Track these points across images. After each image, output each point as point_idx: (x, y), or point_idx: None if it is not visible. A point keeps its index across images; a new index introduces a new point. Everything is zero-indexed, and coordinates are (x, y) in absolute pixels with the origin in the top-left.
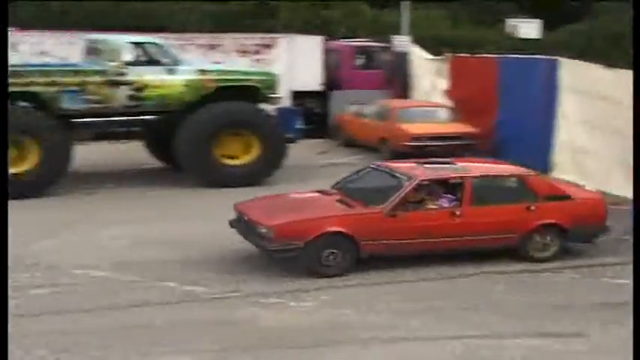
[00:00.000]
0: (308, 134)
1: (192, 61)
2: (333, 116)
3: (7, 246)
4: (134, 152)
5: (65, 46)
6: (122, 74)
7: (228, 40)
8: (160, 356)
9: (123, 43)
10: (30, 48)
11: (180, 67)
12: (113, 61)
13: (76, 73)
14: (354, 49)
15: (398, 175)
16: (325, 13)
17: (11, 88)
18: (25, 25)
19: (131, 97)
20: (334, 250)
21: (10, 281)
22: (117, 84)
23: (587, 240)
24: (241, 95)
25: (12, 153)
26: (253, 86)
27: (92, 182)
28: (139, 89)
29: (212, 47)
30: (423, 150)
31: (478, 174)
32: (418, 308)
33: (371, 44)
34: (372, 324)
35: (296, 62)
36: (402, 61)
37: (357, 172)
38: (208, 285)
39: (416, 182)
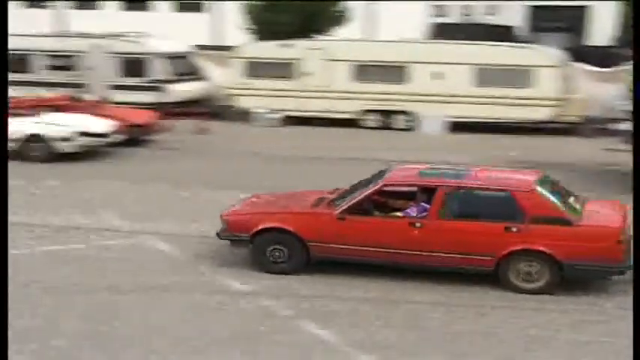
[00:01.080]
0: None
1: None
2: None
3: (7, 246)
4: None
5: None
6: None
7: None
8: None
9: None
10: None
11: None
12: None
13: None
14: None
15: (380, 176)
16: None
17: None
18: None
19: None
20: (279, 247)
21: None
22: None
23: (595, 277)
24: None
25: None
26: None
27: None
28: None
29: None
30: None
31: (455, 184)
32: None
33: None
34: None
35: None
36: None
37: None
38: None
39: (377, 186)
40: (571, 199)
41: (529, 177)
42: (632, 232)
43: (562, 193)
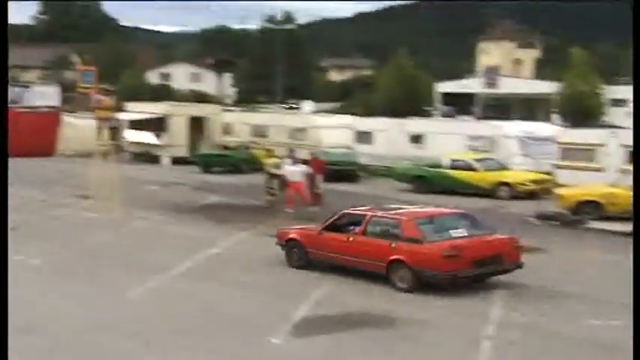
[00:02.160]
0: None
1: None
2: None
3: (7, 246)
4: None
5: None
6: None
7: None
8: None
9: None
10: None
11: None
12: None
13: None
14: None
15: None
16: None
17: None
18: None
19: None
20: (296, 251)
21: None
22: None
23: (435, 282)
24: None
25: None
26: None
27: None
28: None
29: None
30: None
31: (374, 214)
32: None
33: None
34: None
35: None
36: None
37: None
38: None
39: (340, 213)
40: (456, 230)
41: (424, 212)
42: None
43: (448, 225)
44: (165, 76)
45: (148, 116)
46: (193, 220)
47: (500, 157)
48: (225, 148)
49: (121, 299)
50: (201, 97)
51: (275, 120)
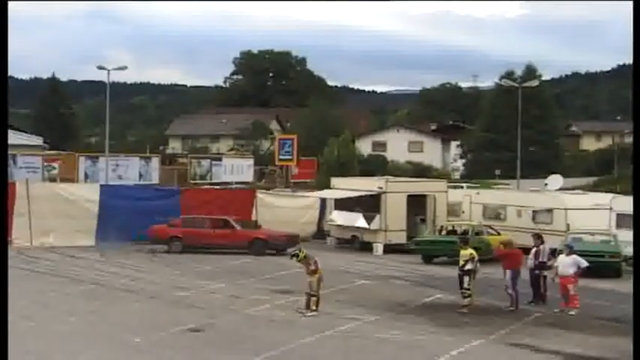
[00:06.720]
0: None
1: None
2: None
3: (7, 247)
4: None
5: None
6: None
7: None
8: None
9: None
10: None
11: None
12: None
13: None
14: None
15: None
16: None
17: None
18: None
19: None
20: None
21: None
22: None
23: None
24: None
25: None
26: None
27: None
28: None
29: None
30: None
31: None
32: None
33: None
34: None
35: None
36: None
37: None
38: None
39: None
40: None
41: None
42: None
43: None
44: (380, 145)
45: (357, 194)
46: (413, 322)
47: None
48: (452, 233)
49: None
50: (422, 171)
51: (514, 199)
